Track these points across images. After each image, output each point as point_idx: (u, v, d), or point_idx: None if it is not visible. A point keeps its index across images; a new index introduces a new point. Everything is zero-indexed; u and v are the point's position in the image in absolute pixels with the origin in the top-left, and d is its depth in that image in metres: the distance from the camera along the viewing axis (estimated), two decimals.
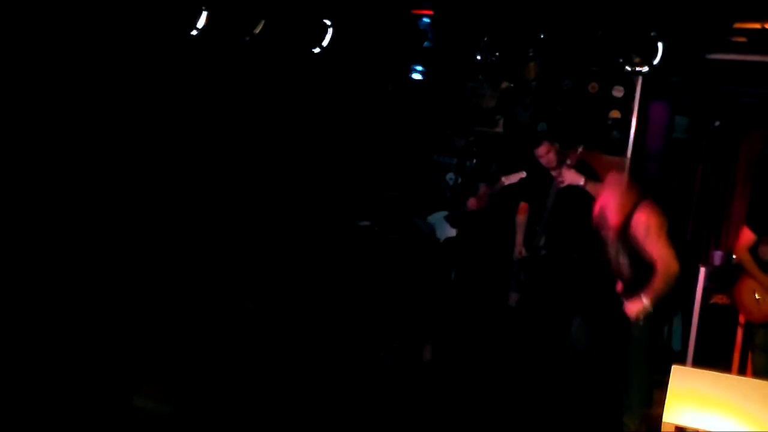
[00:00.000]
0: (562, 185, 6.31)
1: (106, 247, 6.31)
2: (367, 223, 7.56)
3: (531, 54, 6.73)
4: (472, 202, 7.05)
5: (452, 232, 7.21)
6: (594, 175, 6.33)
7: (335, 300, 7.20)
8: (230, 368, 5.92)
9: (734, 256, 6.22)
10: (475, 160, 7.24)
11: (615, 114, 7.32)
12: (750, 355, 6.01)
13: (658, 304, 5.31)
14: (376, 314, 7.18)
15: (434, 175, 7.33)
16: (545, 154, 6.41)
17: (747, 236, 5.79)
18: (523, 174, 6.65)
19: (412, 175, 7.48)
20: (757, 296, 5.75)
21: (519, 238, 6.74)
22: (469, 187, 7.15)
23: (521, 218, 6.75)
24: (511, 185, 6.75)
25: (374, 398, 5.93)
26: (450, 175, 7.34)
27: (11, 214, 5.69)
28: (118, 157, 6.40)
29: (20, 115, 5.75)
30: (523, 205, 6.75)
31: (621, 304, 5.46)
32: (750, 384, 4.35)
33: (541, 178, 6.55)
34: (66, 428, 4.73)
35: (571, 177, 6.27)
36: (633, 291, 5.36)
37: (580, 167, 6.37)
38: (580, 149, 6.32)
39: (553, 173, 6.41)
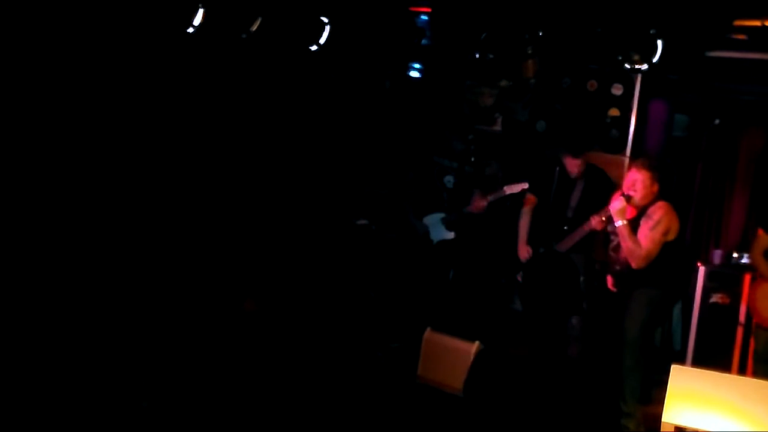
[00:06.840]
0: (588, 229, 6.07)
1: (102, 248, 6.29)
2: (365, 221, 7.54)
3: (529, 52, 6.69)
4: (478, 205, 6.92)
5: (447, 234, 7.16)
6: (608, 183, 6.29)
7: (333, 299, 7.17)
8: (229, 369, 5.90)
9: (748, 260, 6.14)
10: (473, 159, 7.20)
11: (614, 112, 7.30)
12: (750, 362, 5.94)
13: (650, 308, 5.35)
14: (373, 314, 7.15)
15: (432, 176, 7.30)
16: (572, 165, 6.37)
17: (762, 239, 5.70)
18: (525, 185, 6.62)
19: (408, 175, 7.44)
20: None
21: (523, 237, 6.58)
22: (468, 191, 7.10)
23: (525, 219, 6.64)
24: (512, 194, 6.74)
25: (372, 398, 5.90)
26: (448, 178, 7.30)
27: (7, 219, 5.69)
28: (115, 157, 6.38)
29: (16, 112, 5.73)
30: (529, 197, 6.65)
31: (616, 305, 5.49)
32: (750, 384, 4.32)
33: (544, 183, 6.53)
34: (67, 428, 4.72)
35: (597, 223, 5.95)
36: (624, 284, 5.40)
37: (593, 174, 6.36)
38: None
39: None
